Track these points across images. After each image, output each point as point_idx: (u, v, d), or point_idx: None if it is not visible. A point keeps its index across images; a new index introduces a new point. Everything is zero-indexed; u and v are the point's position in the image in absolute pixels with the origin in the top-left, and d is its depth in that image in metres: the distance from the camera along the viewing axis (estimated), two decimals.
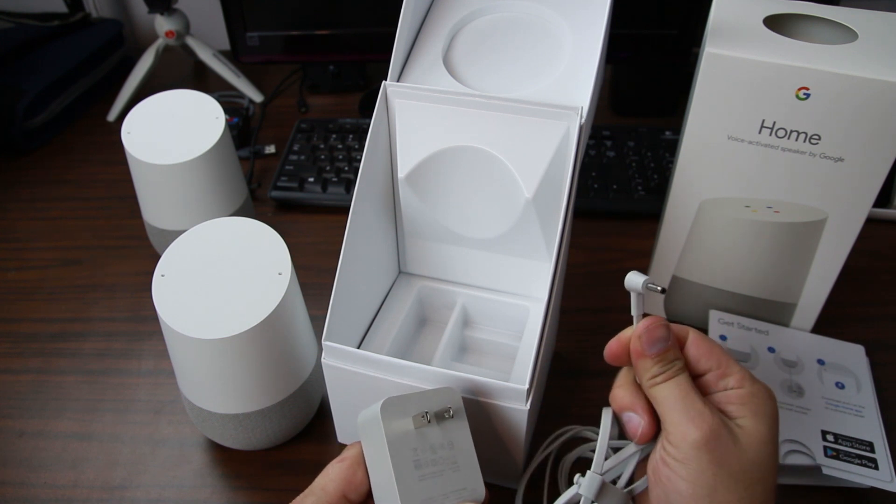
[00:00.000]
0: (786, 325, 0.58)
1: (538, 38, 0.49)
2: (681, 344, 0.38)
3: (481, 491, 0.37)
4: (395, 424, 0.37)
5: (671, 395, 0.36)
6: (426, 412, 0.37)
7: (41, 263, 0.70)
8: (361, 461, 0.38)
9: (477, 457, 0.38)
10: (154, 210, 0.63)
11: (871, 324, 0.61)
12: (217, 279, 0.45)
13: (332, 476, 0.38)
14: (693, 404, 0.35)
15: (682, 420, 0.35)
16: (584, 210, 0.72)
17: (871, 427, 0.50)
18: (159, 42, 0.91)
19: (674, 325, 0.38)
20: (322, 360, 0.44)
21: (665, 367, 0.37)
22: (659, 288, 0.37)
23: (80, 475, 0.51)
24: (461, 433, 0.38)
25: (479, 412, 0.42)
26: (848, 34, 0.49)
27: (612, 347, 0.39)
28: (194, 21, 0.93)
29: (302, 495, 0.38)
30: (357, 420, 0.39)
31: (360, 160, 0.66)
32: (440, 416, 0.38)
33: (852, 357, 0.55)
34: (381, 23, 0.78)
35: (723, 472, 0.34)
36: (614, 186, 0.73)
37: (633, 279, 0.38)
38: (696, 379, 0.37)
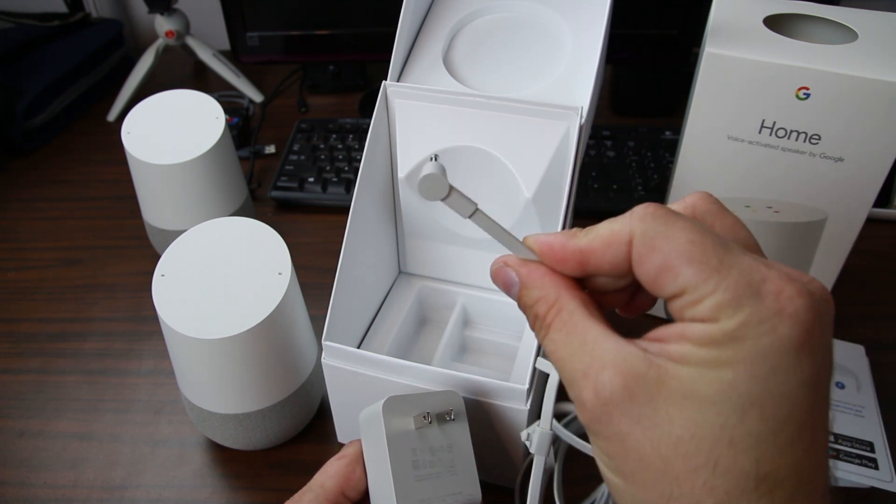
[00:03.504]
0: None
1: (538, 38, 0.49)
2: (614, 270, 0.25)
3: (477, 496, 0.37)
4: (395, 423, 0.37)
5: (553, 363, 0.26)
6: (427, 413, 0.37)
7: (41, 263, 0.70)
8: (360, 459, 0.38)
9: (475, 462, 0.38)
10: (154, 210, 0.63)
11: (871, 324, 0.61)
12: (217, 279, 0.45)
13: (330, 473, 0.38)
14: (572, 372, 0.24)
15: (571, 396, 0.25)
16: (584, 210, 0.72)
17: (871, 427, 0.50)
18: (159, 42, 0.91)
19: (586, 241, 0.25)
20: (322, 360, 0.44)
21: (531, 319, 0.26)
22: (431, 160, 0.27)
23: (80, 475, 0.51)
24: (461, 437, 0.38)
25: (479, 412, 0.42)
26: (848, 34, 0.49)
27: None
28: (194, 21, 0.93)
29: (300, 492, 0.38)
30: (358, 418, 0.39)
31: (360, 160, 0.66)
32: (441, 419, 0.38)
33: (852, 357, 0.55)
34: (381, 23, 0.78)
35: (632, 464, 0.23)
36: (614, 186, 0.73)
37: (426, 183, 0.27)
38: (669, 303, 0.24)
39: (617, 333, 0.24)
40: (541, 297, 0.26)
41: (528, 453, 0.41)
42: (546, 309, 0.25)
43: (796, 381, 0.22)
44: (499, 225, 0.28)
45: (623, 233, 0.24)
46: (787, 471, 0.22)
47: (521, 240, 0.27)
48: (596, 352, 0.24)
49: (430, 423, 0.37)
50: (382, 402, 0.37)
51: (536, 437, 0.36)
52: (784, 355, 0.22)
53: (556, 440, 0.37)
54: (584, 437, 0.36)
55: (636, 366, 0.23)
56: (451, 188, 0.28)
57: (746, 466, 0.22)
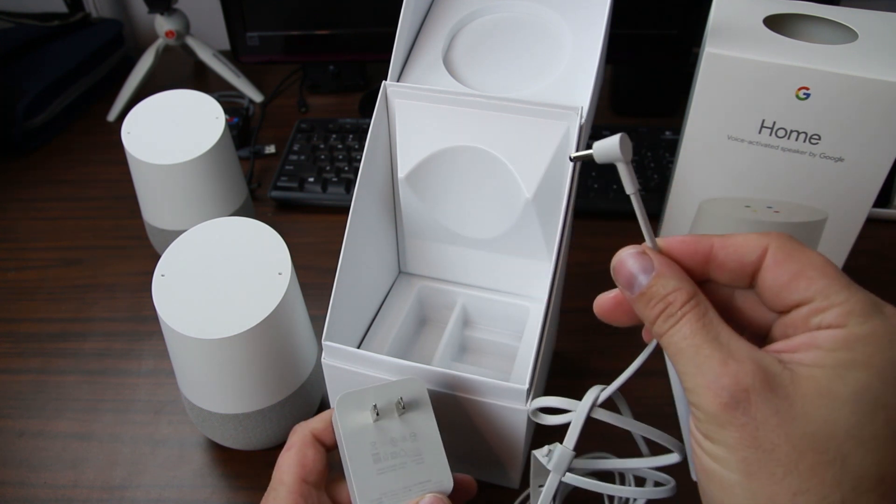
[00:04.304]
0: None
1: (538, 38, 0.49)
2: (740, 266, 0.27)
3: (448, 483, 0.37)
4: (352, 419, 0.37)
5: (678, 350, 0.26)
6: (375, 405, 0.37)
7: (41, 263, 0.70)
8: (308, 442, 0.38)
9: (444, 448, 0.38)
10: (154, 210, 0.63)
11: None
12: (217, 279, 0.45)
13: (284, 468, 0.38)
14: (708, 359, 0.25)
15: (698, 384, 0.25)
16: (584, 210, 0.72)
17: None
18: (159, 42, 0.91)
19: (734, 236, 0.27)
20: (322, 360, 0.44)
21: (658, 310, 0.27)
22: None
23: (80, 475, 0.51)
24: (425, 425, 0.38)
25: (478, 412, 0.42)
26: (848, 34, 0.49)
27: (605, 301, 0.30)
28: (194, 21, 0.93)
29: (264, 496, 0.38)
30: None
31: (360, 160, 0.66)
32: (400, 408, 0.38)
33: None
34: (381, 23, 0.78)
35: (760, 455, 0.24)
36: (614, 186, 0.73)
37: (605, 145, 0.27)
38: (782, 316, 0.26)
39: (727, 338, 0.26)
40: (679, 287, 0.27)
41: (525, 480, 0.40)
42: (684, 299, 0.26)
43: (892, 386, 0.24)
44: (644, 212, 0.28)
45: (759, 240, 0.27)
46: None
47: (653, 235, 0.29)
48: (732, 347, 0.25)
49: (380, 414, 0.37)
50: (337, 399, 0.37)
51: (557, 454, 0.34)
52: None
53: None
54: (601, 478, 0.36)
55: (772, 365, 0.24)
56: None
57: (869, 466, 0.23)
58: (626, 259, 0.28)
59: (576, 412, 0.33)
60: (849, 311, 0.24)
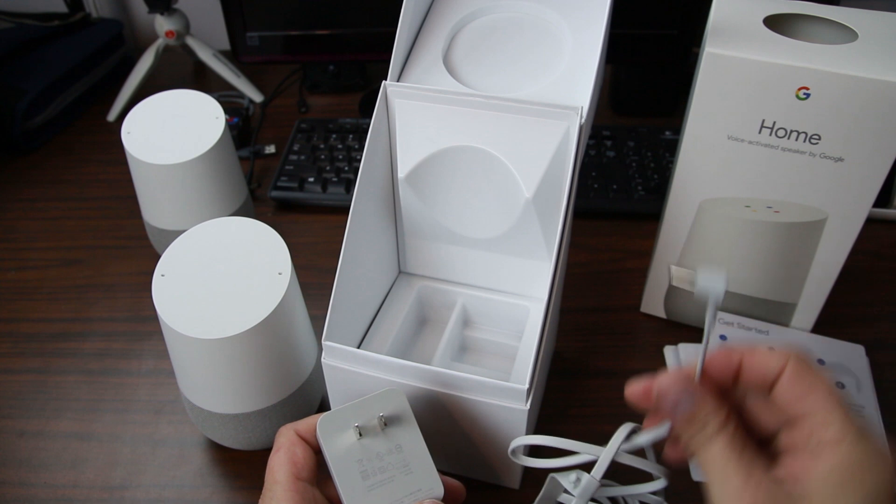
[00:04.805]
0: (786, 324, 0.58)
1: (538, 38, 0.49)
2: (762, 379, 0.32)
3: (438, 489, 0.37)
4: (335, 439, 0.37)
5: (708, 465, 0.31)
6: (356, 422, 0.37)
7: (41, 263, 0.70)
8: (295, 441, 0.38)
9: (430, 455, 0.38)
10: (154, 210, 0.63)
11: (871, 324, 0.61)
12: (217, 279, 0.45)
13: (276, 468, 0.38)
14: (729, 480, 0.30)
15: (723, 492, 0.30)
16: (584, 210, 0.72)
17: (871, 427, 0.50)
18: (159, 42, 0.91)
19: (759, 352, 0.32)
20: (322, 360, 0.44)
21: (696, 430, 0.31)
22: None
23: (80, 475, 0.51)
24: (409, 435, 0.38)
25: (478, 412, 0.42)
26: (848, 34, 0.49)
27: (636, 390, 0.33)
28: (194, 21, 0.93)
29: (261, 498, 0.38)
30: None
31: (360, 160, 0.66)
32: (382, 422, 0.38)
33: (852, 357, 0.55)
34: (381, 23, 0.78)
35: None
36: (614, 186, 0.73)
37: (708, 282, 0.30)
38: (787, 427, 0.31)
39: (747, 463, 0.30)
40: (715, 410, 0.31)
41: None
42: (718, 424, 0.31)
43: None
44: (709, 332, 0.32)
45: (779, 359, 0.31)
46: None
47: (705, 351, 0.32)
48: (752, 466, 0.30)
49: (363, 432, 0.37)
50: (318, 421, 0.37)
51: (584, 483, 0.35)
52: (889, 490, 0.28)
53: None
54: None
55: (782, 486, 0.29)
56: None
57: None
58: (672, 389, 0.32)
59: (605, 450, 0.35)
60: (845, 430, 0.29)
